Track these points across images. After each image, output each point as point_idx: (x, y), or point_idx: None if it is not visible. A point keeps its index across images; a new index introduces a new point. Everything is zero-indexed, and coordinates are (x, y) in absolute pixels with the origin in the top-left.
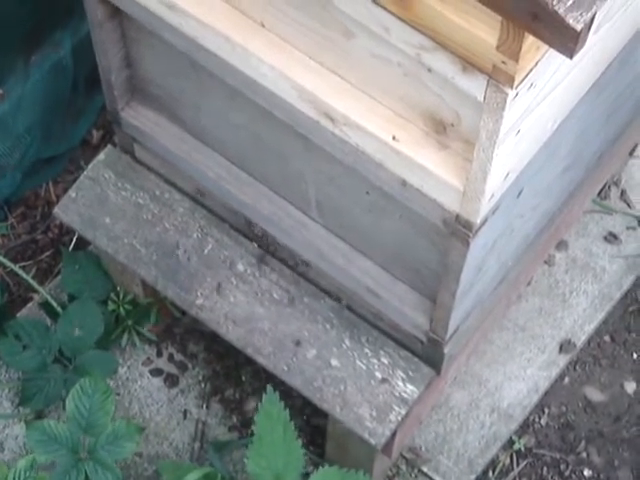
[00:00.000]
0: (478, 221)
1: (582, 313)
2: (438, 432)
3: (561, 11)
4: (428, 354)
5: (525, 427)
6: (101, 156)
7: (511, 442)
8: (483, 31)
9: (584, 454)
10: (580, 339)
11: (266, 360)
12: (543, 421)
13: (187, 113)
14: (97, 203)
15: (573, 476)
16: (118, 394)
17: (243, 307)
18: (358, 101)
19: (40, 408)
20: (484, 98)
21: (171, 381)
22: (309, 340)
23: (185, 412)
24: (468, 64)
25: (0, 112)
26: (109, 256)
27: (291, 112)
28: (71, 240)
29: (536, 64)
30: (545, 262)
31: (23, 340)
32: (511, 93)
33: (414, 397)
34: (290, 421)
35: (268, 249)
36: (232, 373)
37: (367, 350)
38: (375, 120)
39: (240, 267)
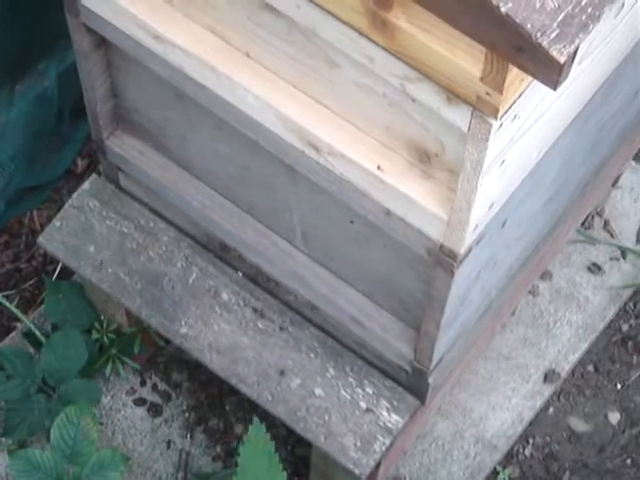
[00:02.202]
0: (462, 251)
1: (566, 343)
2: (423, 462)
3: (545, 43)
4: (412, 384)
5: (509, 457)
6: (86, 185)
7: (495, 473)
8: (467, 62)
9: None
10: (564, 369)
11: (250, 390)
12: (527, 451)
13: (172, 142)
14: (81, 232)
15: None
16: (101, 424)
17: (227, 336)
18: (343, 131)
19: (23, 438)
20: (468, 129)
21: (155, 411)
22: (293, 369)
23: (169, 442)
24: (452, 95)
25: None
26: (93, 285)
27: (276, 141)
28: (55, 269)
29: (520, 95)
30: (529, 292)
31: (6, 370)
32: (495, 124)
33: (399, 427)
34: (275, 452)
35: (253, 278)
36: (216, 403)
37: (351, 379)
38: (360, 149)
39: (225, 296)
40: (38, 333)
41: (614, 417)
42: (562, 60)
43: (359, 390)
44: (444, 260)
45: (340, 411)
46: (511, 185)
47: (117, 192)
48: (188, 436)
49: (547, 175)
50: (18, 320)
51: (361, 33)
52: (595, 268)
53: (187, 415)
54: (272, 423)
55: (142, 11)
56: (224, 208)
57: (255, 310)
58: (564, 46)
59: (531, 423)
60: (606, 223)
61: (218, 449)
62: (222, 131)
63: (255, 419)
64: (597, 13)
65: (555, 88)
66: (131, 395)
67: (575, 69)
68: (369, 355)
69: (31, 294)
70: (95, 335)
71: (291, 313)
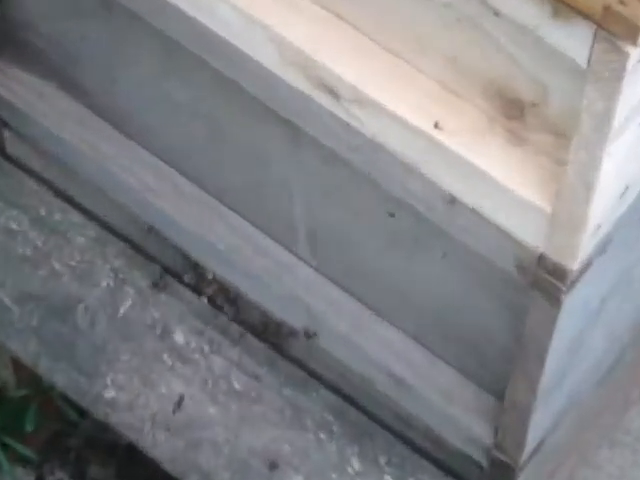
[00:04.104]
0: (576, 266)
1: None
2: None
3: None
4: None
5: None
6: None
7: None
8: None
9: None
10: None
11: None
12: None
13: (92, 80)
14: None
15: None
16: None
17: (183, 403)
18: (378, 64)
19: None
20: (588, 61)
21: None
22: (291, 460)
23: None
24: (562, 4)
25: None
26: None
27: (268, 82)
28: None
29: None
30: None
31: None
32: (634, 53)
33: None
34: None
35: (225, 308)
36: None
37: (388, 478)
38: (406, 95)
39: (179, 337)
40: None
41: None
42: None
43: None
44: (545, 280)
45: None
46: None
47: (1, 163)
48: None
49: None
50: None
51: None
52: None
53: None
54: None
55: None
56: (179, 191)
57: (229, 360)
58: None
59: None
60: None
61: None
62: (176, 63)
63: None
64: None
65: None
66: None
67: None
68: (417, 437)
69: None
70: None
71: (288, 365)
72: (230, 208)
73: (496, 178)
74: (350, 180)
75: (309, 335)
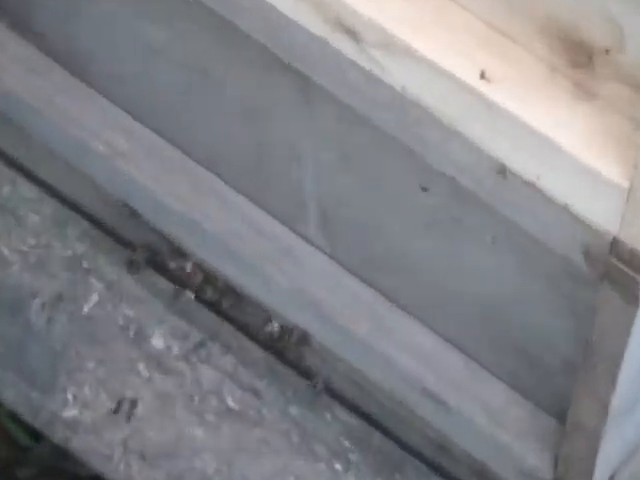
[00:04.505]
0: None
1: None
2: None
3: None
4: None
5: None
6: None
7: None
8: None
9: None
10: None
11: None
12: None
13: (48, 18)
14: None
15: None
16: None
17: (162, 425)
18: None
19: None
20: None
21: None
22: None
23: None
24: None
25: None
26: None
27: (273, 22)
28: None
29: None
30: None
31: None
32: None
33: None
34: None
35: (216, 305)
36: None
37: None
38: (445, 39)
39: (157, 342)
40: None
41: None
42: None
43: None
44: (619, 271)
45: None
46: None
47: None
48: None
49: None
50: None
51: None
52: None
53: None
54: None
55: None
56: (157, 157)
57: (221, 370)
58: None
59: None
60: None
61: None
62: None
63: None
64: None
65: None
66: None
67: None
68: (457, 468)
69: None
70: None
71: (294, 377)
72: (222, 179)
73: (558, 142)
74: (373, 145)
75: (321, 340)
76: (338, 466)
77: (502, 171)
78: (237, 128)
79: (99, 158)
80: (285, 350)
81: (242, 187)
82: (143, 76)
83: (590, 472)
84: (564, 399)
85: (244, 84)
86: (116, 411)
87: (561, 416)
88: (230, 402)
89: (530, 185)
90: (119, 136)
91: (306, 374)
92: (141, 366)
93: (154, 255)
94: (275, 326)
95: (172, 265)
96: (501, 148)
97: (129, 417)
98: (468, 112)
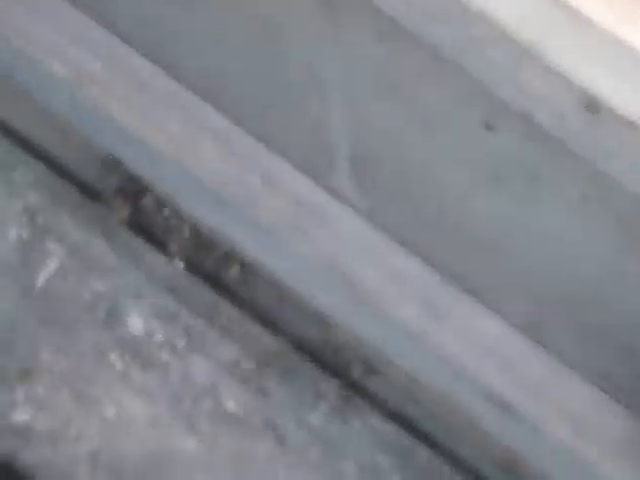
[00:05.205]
0: None
1: None
2: None
3: None
4: None
5: None
6: None
7: None
8: None
9: None
10: None
11: None
12: None
13: None
14: None
15: None
16: None
17: (143, 436)
18: None
19: None
20: None
21: None
22: None
23: None
24: None
25: None
26: None
27: None
28: None
29: None
30: None
31: None
32: None
33: None
34: None
35: (213, 278)
36: None
37: None
38: None
39: (135, 324)
40: None
41: None
42: None
43: None
44: None
45: None
46: None
47: None
48: None
49: None
50: None
51: None
52: None
53: None
54: None
55: None
56: (137, 80)
57: (217, 362)
58: None
59: None
60: None
61: None
62: None
63: None
64: None
65: None
66: None
67: None
68: None
69: None
70: None
71: (315, 372)
72: (223, 115)
73: None
74: (422, 69)
75: (353, 326)
76: None
77: (593, 106)
78: (242, 48)
79: (58, 80)
80: (301, 336)
81: (250, 125)
82: None
83: None
84: None
85: None
86: (81, 415)
87: None
88: (229, 405)
89: (629, 124)
90: (85, 52)
91: (330, 368)
92: (113, 356)
93: (133, 212)
94: (290, 305)
95: (156, 225)
96: (591, 76)
97: (98, 423)
98: (547, 29)
